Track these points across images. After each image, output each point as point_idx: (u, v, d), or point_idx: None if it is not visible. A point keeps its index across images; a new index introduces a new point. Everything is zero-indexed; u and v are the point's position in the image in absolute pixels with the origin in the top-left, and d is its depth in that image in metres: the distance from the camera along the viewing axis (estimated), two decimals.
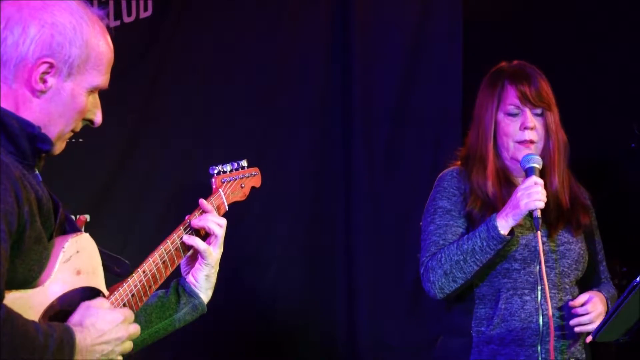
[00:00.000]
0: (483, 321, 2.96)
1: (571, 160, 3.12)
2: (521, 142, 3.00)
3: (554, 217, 3.00)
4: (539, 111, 3.03)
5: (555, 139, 3.03)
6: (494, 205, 2.96)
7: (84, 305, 2.00)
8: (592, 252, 3.12)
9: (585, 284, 3.09)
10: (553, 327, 2.90)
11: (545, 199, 2.88)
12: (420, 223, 3.11)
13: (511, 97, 3.02)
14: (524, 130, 3.00)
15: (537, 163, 2.96)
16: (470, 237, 2.90)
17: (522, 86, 3.01)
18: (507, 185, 3.02)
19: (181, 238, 2.35)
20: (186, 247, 2.36)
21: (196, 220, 2.38)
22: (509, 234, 2.87)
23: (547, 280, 2.94)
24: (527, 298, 2.95)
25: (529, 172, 2.93)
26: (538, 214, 2.86)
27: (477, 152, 3.03)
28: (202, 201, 2.42)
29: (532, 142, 3.01)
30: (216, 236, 2.39)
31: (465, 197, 3.01)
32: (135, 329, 2.06)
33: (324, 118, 4.35)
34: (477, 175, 3.01)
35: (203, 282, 2.40)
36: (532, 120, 3.01)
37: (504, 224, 2.87)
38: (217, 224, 2.39)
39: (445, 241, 2.97)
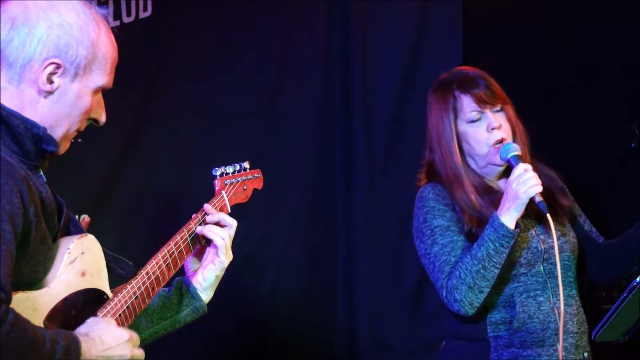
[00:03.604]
0: (500, 326, 2.91)
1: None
2: (495, 144, 2.95)
3: (540, 213, 2.92)
4: (498, 108, 2.99)
5: (518, 131, 3.01)
6: (486, 218, 2.90)
7: (93, 320, 2.02)
8: (582, 228, 3.11)
9: (584, 263, 3.08)
10: (573, 322, 2.90)
11: (540, 182, 2.85)
12: (416, 246, 3.00)
13: (468, 105, 2.97)
14: (491, 132, 2.96)
15: (517, 150, 2.92)
16: (481, 244, 2.84)
17: (474, 90, 2.97)
18: (488, 193, 2.99)
19: (192, 235, 2.35)
20: (194, 246, 2.36)
21: (205, 231, 2.38)
22: (515, 228, 2.84)
23: (553, 277, 2.92)
24: (541, 299, 2.91)
25: (513, 161, 2.90)
26: (540, 198, 2.83)
27: (449, 171, 2.97)
28: (206, 206, 2.42)
29: (503, 139, 2.96)
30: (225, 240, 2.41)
31: (456, 213, 2.95)
32: (140, 353, 2.06)
33: (324, 118, 4.35)
34: (460, 193, 2.95)
35: (212, 282, 2.40)
36: (496, 119, 2.97)
37: (508, 219, 2.82)
38: (225, 228, 2.41)
39: (457, 258, 2.89)
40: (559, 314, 2.89)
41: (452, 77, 3.05)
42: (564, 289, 2.94)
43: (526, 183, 2.83)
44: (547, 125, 4.01)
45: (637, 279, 2.71)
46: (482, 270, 2.82)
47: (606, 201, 4.10)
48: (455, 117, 2.98)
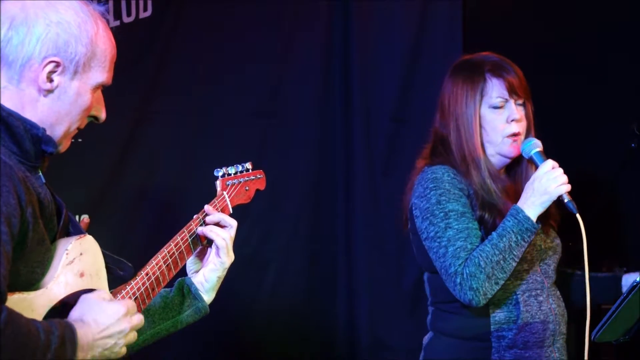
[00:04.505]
0: (503, 325, 2.86)
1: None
2: (509, 136, 2.90)
3: (543, 213, 2.87)
4: (521, 102, 2.95)
5: (532, 131, 2.97)
6: (497, 205, 2.87)
7: (83, 298, 1.97)
8: None
9: None
10: (563, 323, 2.90)
11: (567, 180, 2.79)
12: (421, 227, 2.89)
13: (498, 90, 2.91)
14: (510, 123, 2.91)
15: (540, 147, 2.88)
16: (503, 234, 2.76)
17: (507, 75, 2.92)
18: (500, 181, 2.94)
19: (193, 236, 2.34)
20: (194, 246, 2.36)
21: (206, 232, 2.38)
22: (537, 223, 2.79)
23: (548, 277, 2.92)
24: (541, 299, 2.89)
25: (536, 157, 2.85)
26: (569, 197, 2.78)
27: (467, 152, 2.91)
28: (207, 207, 2.42)
29: (519, 134, 2.92)
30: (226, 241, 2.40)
31: (470, 199, 2.88)
32: (138, 319, 2.02)
33: (324, 118, 4.35)
34: (476, 176, 2.89)
35: (214, 283, 2.40)
36: (519, 112, 2.93)
37: (533, 213, 2.77)
38: (225, 228, 2.40)
39: (473, 245, 2.79)
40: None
41: (483, 59, 2.98)
42: (554, 290, 2.95)
43: (557, 180, 2.77)
44: (547, 125, 4.00)
45: (637, 279, 2.70)
46: (501, 262, 2.75)
47: (606, 201, 4.10)
48: (482, 98, 2.92)
